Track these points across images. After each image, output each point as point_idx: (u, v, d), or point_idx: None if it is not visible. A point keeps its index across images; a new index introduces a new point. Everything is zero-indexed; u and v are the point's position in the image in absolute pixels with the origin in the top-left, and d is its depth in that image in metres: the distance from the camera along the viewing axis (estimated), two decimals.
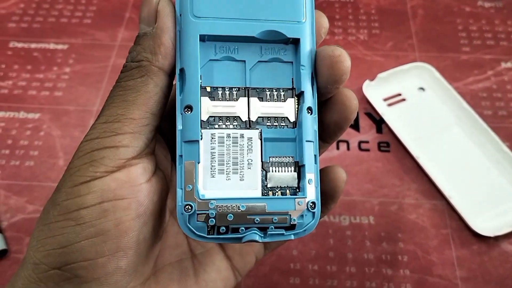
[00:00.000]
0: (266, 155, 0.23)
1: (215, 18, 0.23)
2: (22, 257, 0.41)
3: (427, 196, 0.45)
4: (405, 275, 0.40)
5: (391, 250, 0.42)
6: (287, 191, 0.23)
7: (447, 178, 0.45)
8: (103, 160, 0.22)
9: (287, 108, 0.24)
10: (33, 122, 0.50)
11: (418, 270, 0.41)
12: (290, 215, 0.22)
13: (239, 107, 0.23)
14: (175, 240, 0.27)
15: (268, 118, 0.24)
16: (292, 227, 0.23)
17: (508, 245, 0.42)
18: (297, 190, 0.23)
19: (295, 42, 0.24)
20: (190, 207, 0.22)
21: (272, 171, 0.23)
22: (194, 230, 0.22)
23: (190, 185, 0.22)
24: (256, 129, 0.23)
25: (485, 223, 0.42)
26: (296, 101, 0.24)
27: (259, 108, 0.23)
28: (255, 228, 0.22)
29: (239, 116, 0.23)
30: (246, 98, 0.23)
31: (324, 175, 0.26)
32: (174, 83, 0.24)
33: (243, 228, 0.22)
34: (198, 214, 0.22)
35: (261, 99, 0.24)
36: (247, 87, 0.24)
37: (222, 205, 0.22)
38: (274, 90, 0.24)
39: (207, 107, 0.23)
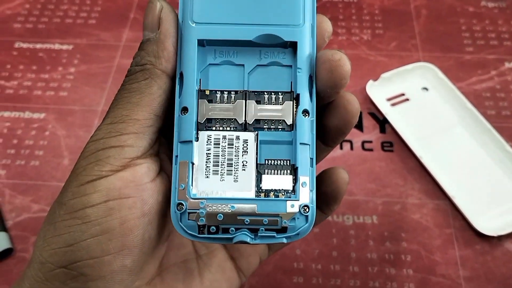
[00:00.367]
0: (262, 157, 0.23)
1: (213, 24, 0.23)
2: (27, 256, 0.41)
3: (430, 196, 0.45)
4: (408, 274, 0.40)
5: (394, 249, 0.42)
6: (281, 193, 0.23)
7: (450, 178, 0.45)
8: (109, 159, 0.22)
9: (284, 111, 0.24)
10: (38, 122, 0.50)
11: (421, 269, 0.41)
12: (281, 217, 0.22)
13: (236, 110, 0.23)
14: (180, 240, 0.27)
15: (265, 120, 0.24)
16: (283, 229, 0.23)
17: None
18: (292, 193, 0.23)
19: (293, 46, 0.24)
20: (182, 206, 0.22)
21: (267, 174, 0.23)
22: (185, 228, 0.22)
23: (183, 184, 0.22)
24: (253, 131, 0.23)
25: (488, 223, 0.42)
26: (294, 104, 0.24)
27: (256, 110, 0.24)
28: (246, 229, 0.22)
29: (235, 119, 0.23)
30: (244, 101, 0.24)
31: (326, 176, 0.26)
32: None
33: (233, 229, 0.22)
34: (189, 213, 0.22)
35: (258, 102, 0.24)
36: (245, 90, 0.24)
37: (212, 205, 0.22)
38: (272, 93, 0.24)
39: (205, 110, 0.23)
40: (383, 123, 0.50)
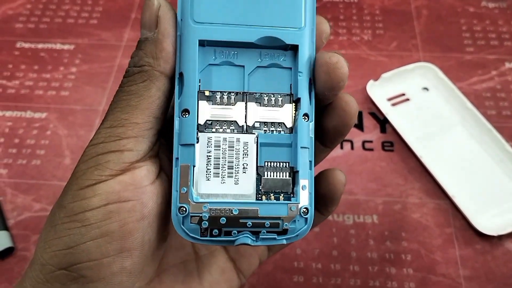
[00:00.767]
0: (261, 159, 0.23)
1: (214, 24, 0.23)
2: (28, 254, 0.41)
3: (430, 195, 0.45)
4: (408, 274, 0.41)
5: (394, 249, 0.42)
6: (281, 196, 0.23)
7: (450, 178, 0.45)
8: (108, 164, 0.22)
9: (284, 114, 0.24)
10: (39, 121, 0.50)
11: (421, 269, 0.41)
12: (283, 220, 0.23)
13: (236, 112, 0.23)
14: (179, 241, 0.27)
15: (265, 123, 0.24)
16: (284, 231, 0.23)
17: None
18: (291, 195, 0.23)
19: (294, 49, 0.24)
20: (184, 209, 0.22)
21: (267, 176, 0.23)
22: (187, 231, 0.22)
23: (185, 188, 0.22)
24: (253, 133, 0.23)
25: (488, 222, 0.43)
26: (293, 107, 0.24)
27: (256, 113, 0.24)
28: (248, 232, 0.23)
29: (236, 121, 0.23)
30: (244, 102, 0.23)
31: (324, 178, 0.26)
32: None
33: (236, 232, 0.22)
34: (191, 216, 0.22)
35: (258, 104, 0.24)
36: (245, 92, 0.24)
37: (215, 208, 0.22)
38: (272, 96, 0.24)
39: (205, 111, 0.23)
40: (383, 123, 0.50)
